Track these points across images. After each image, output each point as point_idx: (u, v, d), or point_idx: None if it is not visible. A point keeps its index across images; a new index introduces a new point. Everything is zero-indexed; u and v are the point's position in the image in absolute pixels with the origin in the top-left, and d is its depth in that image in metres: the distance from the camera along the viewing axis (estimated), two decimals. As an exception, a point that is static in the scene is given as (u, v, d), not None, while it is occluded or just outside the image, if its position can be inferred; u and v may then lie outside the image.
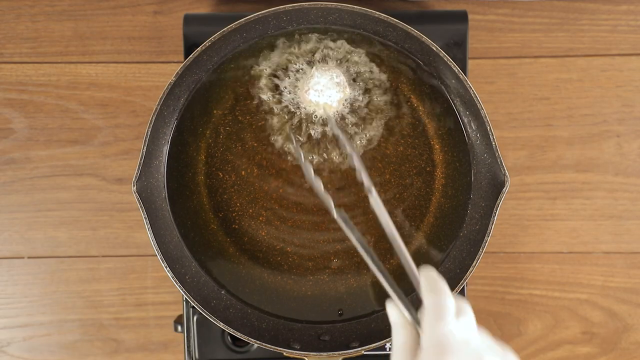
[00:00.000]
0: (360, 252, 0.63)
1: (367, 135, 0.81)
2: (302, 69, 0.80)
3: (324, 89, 0.78)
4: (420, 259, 0.81)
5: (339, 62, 0.80)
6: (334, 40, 0.80)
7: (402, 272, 0.63)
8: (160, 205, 0.80)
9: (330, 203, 0.65)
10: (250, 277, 0.82)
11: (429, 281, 0.59)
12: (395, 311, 0.60)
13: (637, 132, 0.90)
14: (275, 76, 0.80)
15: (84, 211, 0.92)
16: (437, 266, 0.81)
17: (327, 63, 0.80)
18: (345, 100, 0.79)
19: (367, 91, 0.80)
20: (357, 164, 0.66)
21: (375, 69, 0.80)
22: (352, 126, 0.80)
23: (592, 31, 0.90)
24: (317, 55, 0.80)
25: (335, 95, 0.79)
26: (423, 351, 0.56)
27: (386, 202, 0.81)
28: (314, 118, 0.80)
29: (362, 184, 0.65)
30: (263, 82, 0.80)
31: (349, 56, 0.80)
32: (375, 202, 0.63)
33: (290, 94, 0.80)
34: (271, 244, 0.82)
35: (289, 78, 0.80)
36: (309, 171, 0.67)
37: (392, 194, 0.81)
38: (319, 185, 0.66)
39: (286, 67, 0.80)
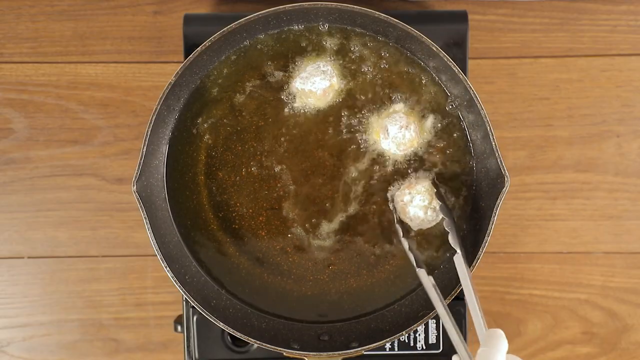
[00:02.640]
0: (437, 309, 0.73)
1: (366, 136, 0.81)
2: (298, 65, 0.80)
3: (309, 76, 0.78)
4: (421, 259, 0.81)
5: (333, 55, 0.80)
6: (331, 36, 0.80)
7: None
8: (160, 205, 0.80)
9: (413, 260, 0.75)
10: (250, 277, 0.82)
11: (488, 337, 0.66)
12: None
13: (637, 132, 0.90)
14: (275, 74, 0.80)
15: (84, 211, 0.92)
16: (438, 266, 0.81)
17: (319, 54, 0.80)
18: (334, 91, 0.79)
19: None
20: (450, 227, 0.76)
21: (375, 68, 0.80)
22: (349, 124, 0.80)
23: (592, 31, 0.90)
24: (311, 49, 0.80)
25: (320, 83, 0.79)
26: None
27: (385, 202, 0.81)
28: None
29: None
30: (263, 81, 0.80)
31: (348, 52, 0.80)
32: (459, 263, 0.73)
33: (288, 89, 0.80)
34: (271, 244, 0.82)
35: (286, 75, 0.80)
36: (399, 232, 0.78)
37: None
38: (405, 244, 0.77)
39: (285, 65, 0.80)
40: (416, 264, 0.75)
